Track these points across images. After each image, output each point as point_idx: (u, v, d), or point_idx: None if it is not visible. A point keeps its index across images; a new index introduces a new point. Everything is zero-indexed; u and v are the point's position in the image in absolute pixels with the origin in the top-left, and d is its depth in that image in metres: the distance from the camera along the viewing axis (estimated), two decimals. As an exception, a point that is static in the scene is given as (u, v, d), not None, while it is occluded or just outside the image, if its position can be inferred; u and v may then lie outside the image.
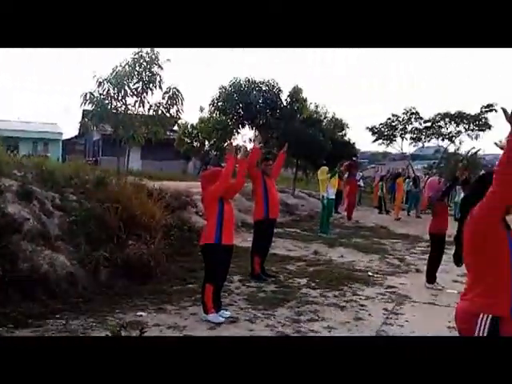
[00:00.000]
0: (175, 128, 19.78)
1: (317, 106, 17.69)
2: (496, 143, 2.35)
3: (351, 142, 18.69)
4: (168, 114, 7.90)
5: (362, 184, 18.35)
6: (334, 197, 10.80)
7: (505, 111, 2.06)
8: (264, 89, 13.79)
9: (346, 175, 14.27)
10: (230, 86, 13.79)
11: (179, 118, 9.28)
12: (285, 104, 14.28)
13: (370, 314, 5.00)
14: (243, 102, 13.58)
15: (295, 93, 14.45)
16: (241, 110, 13.82)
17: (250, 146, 15.44)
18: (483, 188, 2.26)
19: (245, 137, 15.13)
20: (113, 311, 4.64)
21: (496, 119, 14.91)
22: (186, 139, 19.93)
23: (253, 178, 6.38)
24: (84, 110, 8.38)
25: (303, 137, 13.08)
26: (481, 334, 2.23)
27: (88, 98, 7.32)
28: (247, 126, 14.42)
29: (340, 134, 19.61)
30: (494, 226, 2.25)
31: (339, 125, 19.59)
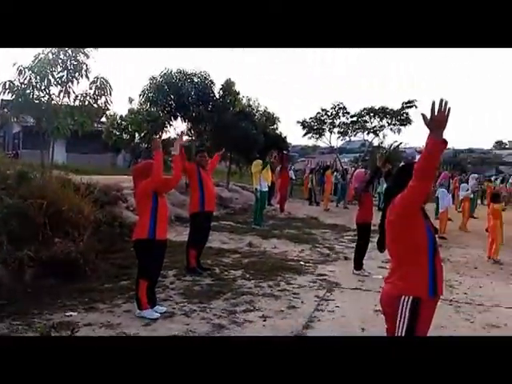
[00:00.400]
0: (103, 119, 18.95)
1: (249, 100, 17.78)
2: (416, 149, 2.52)
3: (283, 135, 19.08)
4: (96, 105, 7.56)
5: (293, 177, 18.84)
6: (266, 189, 11.00)
7: (424, 116, 2.21)
8: (196, 81, 13.60)
9: (278, 168, 14.57)
10: (161, 77, 13.46)
11: (107, 109, 8.91)
12: (217, 97, 14.22)
13: (302, 302, 5.19)
14: (175, 94, 13.30)
15: (227, 86, 14.43)
16: (172, 102, 13.53)
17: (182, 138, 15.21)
18: (403, 179, 2.44)
19: (177, 129, 14.83)
20: (41, 312, 4.41)
21: (416, 115, 15.94)
22: (114, 131, 19.20)
23: (187, 171, 6.33)
24: (3, 100, 7.77)
25: (236, 130, 13.14)
26: (403, 315, 2.43)
27: (7, 86, 6.80)
28: (179, 118, 14.17)
29: (272, 127, 19.91)
30: (413, 215, 2.44)
31: (271, 118, 19.87)
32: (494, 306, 5.47)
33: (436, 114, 2.17)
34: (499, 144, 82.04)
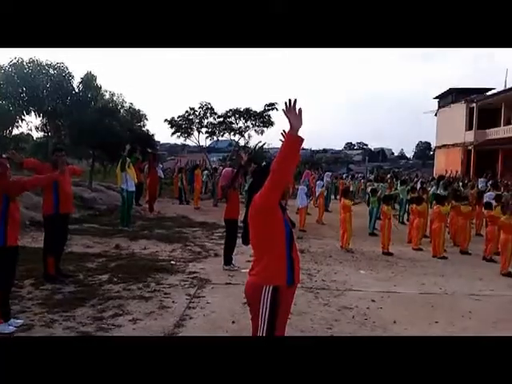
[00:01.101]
0: None
1: (113, 95, 16.97)
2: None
3: (150, 133, 18.67)
4: None
5: (162, 175, 18.53)
6: (134, 189, 10.63)
7: (284, 112, 2.39)
8: (52, 73, 12.52)
9: (146, 167, 14.19)
10: (10, 67, 12.07)
11: None
12: (77, 91, 13.28)
13: (173, 301, 5.19)
14: (27, 86, 12.07)
15: (88, 80, 13.57)
16: (24, 95, 12.25)
17: (36, 134, 13.90)
18: (264, 177, 2.61)
19: (30, 124, 13.48)
20: None
21: (277, 117, 16.92)
22: (-49, 125, 16.62)
23: (41, 172, 5.79)
24: None
25: (99, 126, 12.44)
26: (265, 303, 2.61)
27: None
28: (33, 112, 12.89)
29: (138, 124, 19.34)
30: (272, 209, 2.63)
31: (137, 115, 19.28)
32: (346, 290, 6.14)
33: (288, 111, 2.37)
34: (349, 145, 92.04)
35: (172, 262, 7.10)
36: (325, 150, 74.70)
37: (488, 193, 12.87)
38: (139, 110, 19.66)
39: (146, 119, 19.85)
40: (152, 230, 10.09)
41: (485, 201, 10.31)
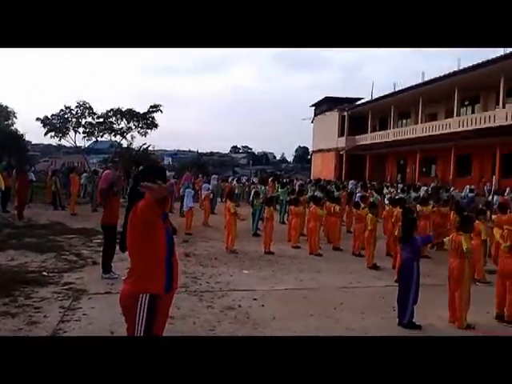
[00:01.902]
0: None
1: (-28, 89, 15.09)
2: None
3: (20, 132, 17.02)
4: None
5: (33, 179, 16.96)
6: (-1, 194, 9.58)
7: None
8: None
9: (14, 170, 12.91)
10: None
11: None
12: None
13: (45, 316, 4.81)
14: None
15: None
16: None
17: None
18: (143, 180, 2.55)
19: None
20: None
21: (161, 119, 16.65)
22: None
23: None
24: None
25: (-45, 124, 10.97)
26: (142, 312, 2.56)
27: None
28: None
29: (6, 123, 17.53)
30: (152, 218, 2.58)
31: (4, 112, 17.47)
32: (230, 291, 6.27)
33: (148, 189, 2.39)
34: (234, 149, 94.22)
35: (44, 273, 6.55)
36: (211, 153, 75.44)
37: (358, 194, 14.22)
38: (6, 107, 17.84)
39: (15, 117, 18.10)
40: (21, 238, 9.19)
41: (354, 201, 11.37)
